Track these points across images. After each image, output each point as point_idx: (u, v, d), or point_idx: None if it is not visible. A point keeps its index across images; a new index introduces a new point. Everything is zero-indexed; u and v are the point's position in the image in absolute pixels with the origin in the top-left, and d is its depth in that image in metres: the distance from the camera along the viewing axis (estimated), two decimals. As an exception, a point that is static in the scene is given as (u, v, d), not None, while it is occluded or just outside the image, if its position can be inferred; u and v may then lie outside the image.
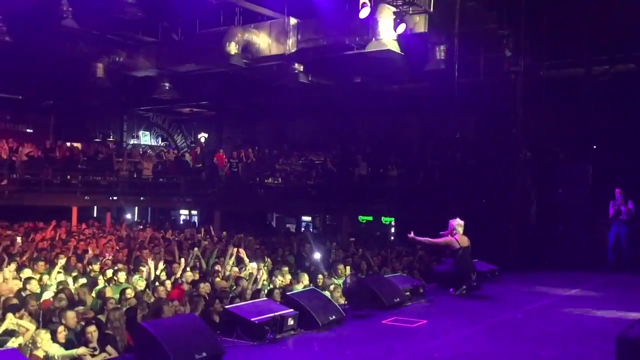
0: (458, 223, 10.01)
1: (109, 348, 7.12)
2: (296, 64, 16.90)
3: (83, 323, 7.26)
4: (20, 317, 7.10)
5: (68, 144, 21.76)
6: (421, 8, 13.82)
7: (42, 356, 6.40)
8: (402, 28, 13.53)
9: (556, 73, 15.93)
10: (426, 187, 16.75)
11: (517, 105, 14.99)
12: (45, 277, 9.53)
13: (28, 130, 23.52)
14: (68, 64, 18.42)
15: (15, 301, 7.76)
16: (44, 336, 6.56)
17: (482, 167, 15.50)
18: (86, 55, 17.74)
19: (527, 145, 15.56)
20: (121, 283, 9.20)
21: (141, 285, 9.15)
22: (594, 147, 15.81)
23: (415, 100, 19.14)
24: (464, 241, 9.98)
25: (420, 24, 14.28)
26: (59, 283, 8.95)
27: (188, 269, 10.28)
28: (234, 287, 9.39)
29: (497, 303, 9.31)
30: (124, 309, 7.82)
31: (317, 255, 12.52)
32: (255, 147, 22.15)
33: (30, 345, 6.48)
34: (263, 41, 16.01)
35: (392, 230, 21.03)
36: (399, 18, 13.54)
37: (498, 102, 15.51)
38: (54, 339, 6.69)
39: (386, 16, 13.53)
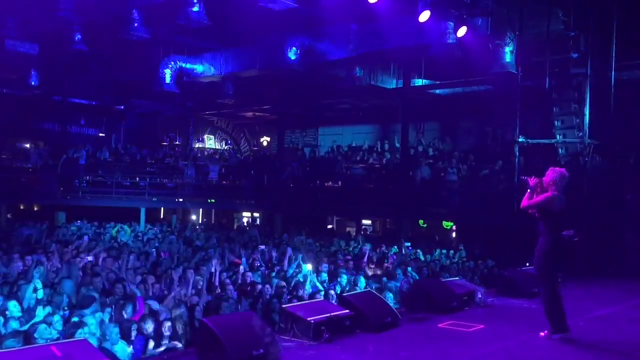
0: (563, 176, 6.91)
1: (175, 342, 7.45)
2: (357, 68, 17.06)
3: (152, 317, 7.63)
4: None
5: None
6: (483, 10, 13.69)
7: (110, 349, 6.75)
8: (463, 31, 13.43)
9: (626, 75, 15.37)
10: (488, 192, 16.50)
11: (584, 108, 14.58)
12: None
13: (101, 134, 24.67)
14: (138, 70, 19.24)
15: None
16: (113, 330, 6.94)
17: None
18: (155, 62, 18.50)
19: (595, 149, 15.10)
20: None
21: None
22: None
23: (478, 103, 18.90)
24: (564, 204, 6.92)
25: (482, 26, 14.13)
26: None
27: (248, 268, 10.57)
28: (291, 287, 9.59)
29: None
30: (188, 304, 8.16)
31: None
32: (316, 151, 22.42)
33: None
34: (323, 46, 16.23)
35: (453, 235, 20.82)
36: (460, 20, 13.45)
37: (563, 105, 15.10)
38: (122, 332, 7.05)
39: (447, 19, 13.48)
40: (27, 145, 22.39)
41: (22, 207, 22.08)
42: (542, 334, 7.12)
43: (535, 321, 7.61)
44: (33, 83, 18.37)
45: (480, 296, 9.42)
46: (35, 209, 21.99)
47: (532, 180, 6.98)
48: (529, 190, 6.97)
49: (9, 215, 19.84)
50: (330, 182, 20.37)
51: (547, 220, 6.93)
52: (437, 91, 20.21)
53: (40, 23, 14.41)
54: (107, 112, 24.56)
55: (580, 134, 14.64)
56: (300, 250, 12.72)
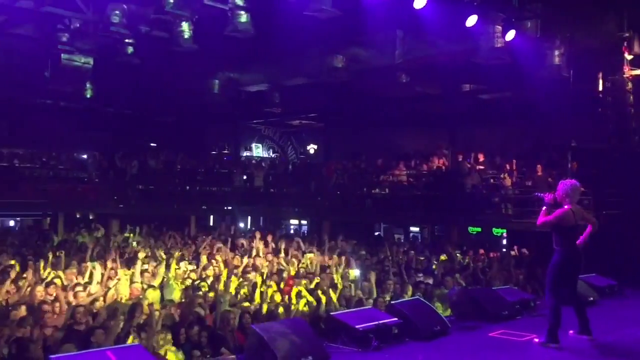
0: (575, 187, 6.94)
1: (222, 349, 7.55)
2: (403, 74, 16.94)
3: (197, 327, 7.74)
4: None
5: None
6: (532, 13, 13.41)
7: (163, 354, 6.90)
8: (511, 34, 13.16)
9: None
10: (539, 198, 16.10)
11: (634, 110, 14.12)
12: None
13: (152, 145, 25.27)
14: (187, 81, 19.63)
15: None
16: (165, 336, 7.08)
17: (601, 176, 14.70)
18: (203, 72, 18.84)
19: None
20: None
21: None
22: None
23: (528, 108, 18.49)
24: (579, 216, 6.93)
25: (532, 29, 13.83)
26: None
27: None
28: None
29: (616, 320, 8.77)
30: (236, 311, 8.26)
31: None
32: (363, 158, 22.37)
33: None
34: (369, 53, 16.18)
35: (504, 242, 20.38)
36: (509, 24, 13.21)
37: (618, 108, 14.63)
38: (175, 340, 7.19)
39: (495, 23, 13.24)
40: (85, 156, 23.13)
41: (78, 216, 22.77)
42: (571, 332, 7.19)
43: (592, 331, 7.37)
44: (87, 95, 18.95)
45: (533, 305, 9.21)
46: (91, 217, 22.64)
47: (547, 196, 7.06)
48: (544, 207, 7.07)
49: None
50: (377, 189, 20.25)
51: (558, 235, 7.01)
52: (486, 96, 19.88)
53: (95, 37, 14.86)
54: (157, 123, 25.15)
55: (637, 137, 14.15)
56: (348, 256, 12.71)
